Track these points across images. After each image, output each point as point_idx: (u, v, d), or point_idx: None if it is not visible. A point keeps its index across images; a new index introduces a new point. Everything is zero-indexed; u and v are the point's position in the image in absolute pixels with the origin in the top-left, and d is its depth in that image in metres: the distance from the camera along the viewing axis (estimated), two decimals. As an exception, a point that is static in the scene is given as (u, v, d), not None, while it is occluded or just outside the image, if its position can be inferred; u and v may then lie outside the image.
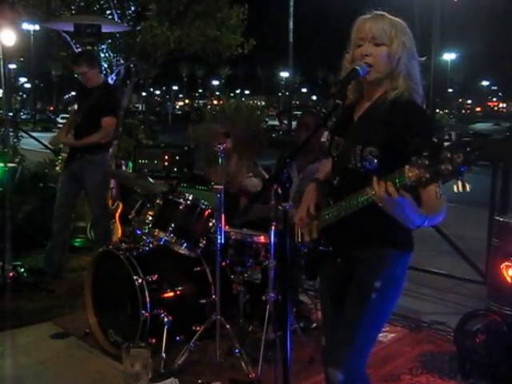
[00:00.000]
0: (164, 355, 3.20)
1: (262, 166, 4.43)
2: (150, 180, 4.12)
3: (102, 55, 9.88)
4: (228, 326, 3.31)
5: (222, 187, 3.33)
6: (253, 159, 4.58)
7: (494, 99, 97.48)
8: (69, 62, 4.92)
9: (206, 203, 3.65)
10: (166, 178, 4.97)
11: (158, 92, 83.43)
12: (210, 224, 3.62)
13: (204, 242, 3.61)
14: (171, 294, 3.49)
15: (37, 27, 16.36)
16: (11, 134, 6.57)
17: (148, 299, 3.25)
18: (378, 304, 2.00)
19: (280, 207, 1.84)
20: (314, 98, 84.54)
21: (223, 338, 3.34)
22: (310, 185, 2.17)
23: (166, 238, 3.53)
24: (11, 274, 4.44)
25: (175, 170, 5.26)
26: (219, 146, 3.35)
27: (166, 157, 5.36)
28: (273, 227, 3.25)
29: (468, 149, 1.44)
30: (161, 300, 3.37)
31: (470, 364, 3.25)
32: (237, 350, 3.22)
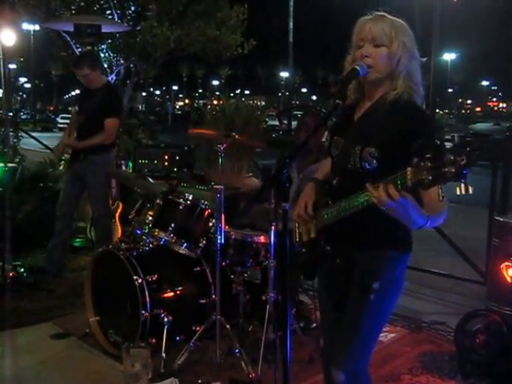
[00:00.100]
0: (164, 355, 3.20)
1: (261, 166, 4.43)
2: (150, 180, 4.12)
3: (102, 55, 9.88)
4: (228, 326, 3.32)
5: (222, 187, 3.33)
6: (253, 159, 4.59)
7: (494, 99, 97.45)
8: (70, 65, 4.91)
9: (206, 203, 3.65)
10: (165, 178, 4.97)
11: (158, 92, 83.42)
12: (210, 224, 3.62)
13: (204, 242, 3.61)
14: (171, 293, 3.49)
15: (37, 27, 16.36)
16: (11, 134, 6.56)
17: (148, 299, 3.25)
18: (378, 304, 2.01)
19: (279, 207, 1.84)
20: (314, 98, 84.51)
21: (223, 338, 3.34)
22: (309, 184, 2.17)
23: (165, 238, 3.53)
24: (11, 274, 4.44)
25: (175, 170, 5.26)
26: (219, 145, 3.35)
27: (166, 157, 5.37)
28: (273, 227, 3.25)
29: (468, 149, 1.44)
30: (161, 300, 3.37)
31: (469, 364, 3.25)
32: (237, 350, 3.22)
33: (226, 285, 3.45)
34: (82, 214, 5.66)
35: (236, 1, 11.08)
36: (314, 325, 3.83)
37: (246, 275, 3.56)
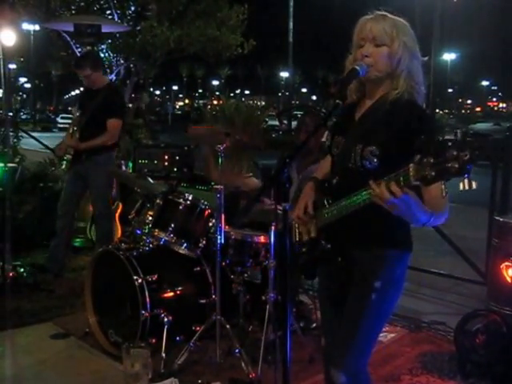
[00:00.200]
0: (164, 355, 3.20)
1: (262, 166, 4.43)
2: (150, 180, 4.12)
3: (102, 55, 9.89)
4: (228, 326, 3.31)
5: (222, 187, 3.33)
6: (253, 159, 4.59)
7: (494, 99, 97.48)
8: (72, 66, 4.91)
9: (206, 203, 3.65)
10: (165, 178, 4.97)
11: (158, 92, 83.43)
12: (210, 224, 3.62)
13: (204, 242, 3.61)
14: (171, 293, 3.49)
15: (37, 27, 16.36)
16: (11, 134, 6.56)
17: (148, 299, 3.25)
18: (379, 304, 2.00)
19: (279, 208, 1.84)
20: (314, 98, 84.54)
21: (223, 338, 3.33)
22: (308, 184, 2.17)
23: (165, 238, 3.53)
24: (11, 274, 4.44)
25: (175, 170, 5.26)
26: (219, 145, 3.35)
27: (166, 157, 5.36)
28: (273, 227, 3.25)
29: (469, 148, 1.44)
30: (161, 300, 3.37)
31: (469, 364, 3.25)
32: (237, 350, 3.22)
33: (225, 285, 3.45)
34: (82, 214, 5.65)
35: (236, 1, 11.09)
36: (314, 325, 3.83)
37: (246, 275, 3.56)
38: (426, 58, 2.08)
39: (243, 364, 3.16)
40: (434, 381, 3.23)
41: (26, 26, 14.70)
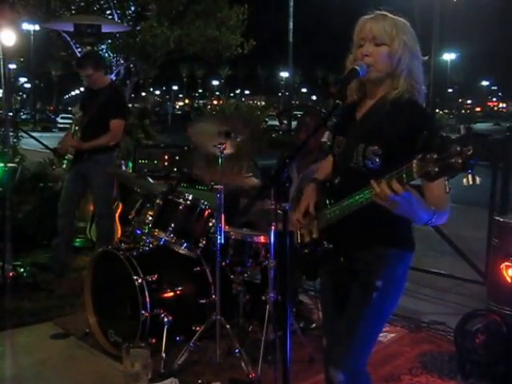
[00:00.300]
0: (164, 355, 3.20)
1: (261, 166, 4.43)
2: (150, 180, 4.12)
3: (102, 55, 9.88)
4: (228, 326, 3.31)
5: (222, 187, 3.33)
6: (253, 159, 4.59)
7: (494, 99, 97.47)
8: (73, 66, 4.92)
9: (206, 203, 3.65)
10: (165, 178, 4.97)
11: (157, 92, 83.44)
12: (210, 224, 3.62)
13: (204, 242, 3.61)
14: (171, 293, 3.49)
15: (37, 27, 16.36)
16: (11, 134, 6.56)
17: (148, 299, 3.25)
18: (380, 304, 2.00)
19: (279, 208, 1.84)
20: (314, 98, 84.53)
21: (223, 338, 3.33)
22: (310, 185, 2.17)
23: (165, 238, 3.53)
24: (11, 274, 4.44)
25: (175, 170, 5.26)
26: (219, 146, 3.34)
27: (166, 157, 5.36)
28: (273, 227, 3.25)
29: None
30: (161, 300, 3.37)
31: (469, 364, 3.25)
32: (237, 350, 3.22)
33: (225, 285, 3.45)
34: (82, 214, 5.66)
35: (236, 1, 11.09)
36: (314, 325, 3.83)
37: (246, 275, 3.56)
38: (426, 58, 2.08)
39: (243, 364, 3.16)
40: (433, 381, 3.23)
41: (26, 26, 14.71)
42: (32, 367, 3.30)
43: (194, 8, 10.37)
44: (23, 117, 45.37)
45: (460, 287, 4.80)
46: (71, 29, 6.51)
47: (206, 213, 3.64)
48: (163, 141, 9.15)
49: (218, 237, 3.30)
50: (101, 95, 4.64)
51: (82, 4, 10.02)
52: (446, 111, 64.16)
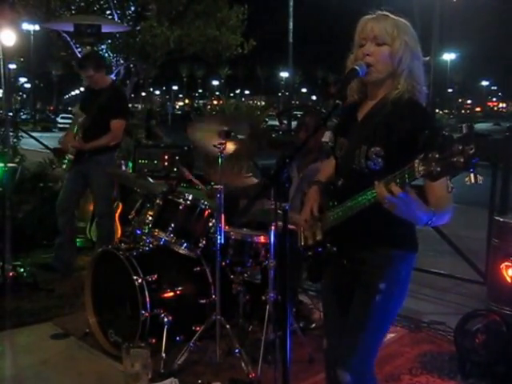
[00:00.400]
0: (164, 355, 3.20)
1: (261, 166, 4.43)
2: (150, 180, 4.12)
3: (102, 55, 9.89)
4: (228, 326, 3.31)
5: (222, 187, 3.33)
6: (253, 159, 4.58)
7: (494, 99, 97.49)
8: (74, 66, 4.92)
9: (205, 203, 3.65)
10: (165, 178, 4.97)
11: (157, 92, 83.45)
12: (210, 224, 3.62)
13: (204, 242, 3.61)
14: (171, 293, 3.49)
15: (37, 27, 16.38)
16: (11, 134, 6.56)
17: (148, 299, 3.25)
18: (384, 305, 2.00)
19: (279, 207, 1.84)
20: (314, 98, 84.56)
21: (223, 338, 3.33)
22: (313, 187, 2.17)
23: (165, 238, 3.53)
24: (11, 274, 4.44)
25: (175, 170, 5.26)
26: (219, 146, 3.34)
27: (166, 157, 5.36)
28: (272, 227, 3.25)
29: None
30: (161, 300, 3.37)
31: (469, 364, 3.25)
32: (237, 350, 3.22)
33: (225, 285, 3.45)
34: (82, 213, 5.66)
35: (236, 1, 11.10)
36: (314, 325, 3.83)
37: (246, 275, 3.56)
38: (427, 58, 2.08)
39: (243, 364, 3.16)
40: (433, 381, 3.23)
41: (26, 26, 14.72)
42: (32, 367, 3.30)
43: (194, 8, 10.37)
44: (23, 117, 45.36)
45: (460, 287, 4.80)
46: (71, 29, 6.52)
47: (206, 213, 3.64)
48: (163, 141, 9.16)
49: (218, 237, 3.30)
50: (102, 95, 4.65)
51: (82, 4, 10.03)
52: (446, 111, 64.15)
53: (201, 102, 72.69)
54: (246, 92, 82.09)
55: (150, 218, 3.60)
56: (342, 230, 1.99)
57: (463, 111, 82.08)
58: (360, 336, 2.01)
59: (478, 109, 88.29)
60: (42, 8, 9.50)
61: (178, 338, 3.42)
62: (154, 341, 3.24)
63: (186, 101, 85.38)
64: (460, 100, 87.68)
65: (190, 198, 3.60)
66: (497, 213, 4.14)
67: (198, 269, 3.63)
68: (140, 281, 3.27)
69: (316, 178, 2.25)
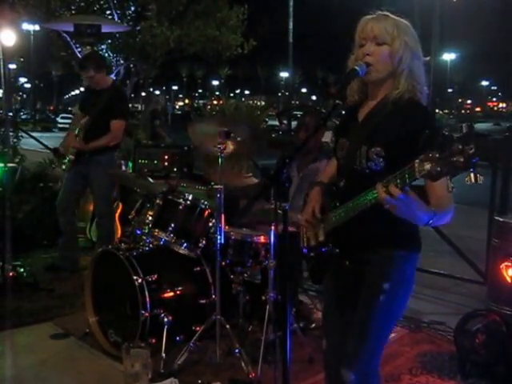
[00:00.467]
0: (164, 355, 3.20)
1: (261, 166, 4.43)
2: (150, 180, 4.12)
3: (102, 55, 9.89)
4: (228, 326, 3.31)
5: (222, 187, 3.33)
6: (253, 159, 4.58)
7: (494, 99, 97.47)
8: (75, 67, 4.93)
9: (205, 203, 3.65)
10: (165, 178, 4.97)
11: (157, 92, 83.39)
12: (210, 224, 3.62)
13: (204, 242, 3.61)
14: (171, 293, 3.49)
15: (37, 27, 16.38)
16: (11, 134, 6.56)
17: (148, 299, 3.25)
18: (387, 305, 2.00)
19: (279, 207, 1.84)
20: (314, 98, 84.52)
21: (223, 337, 3.33)
22: (315, 188, 2.17)
23: (165, 238, 3.53)
24: (11, 274, 4.44)
25: (175, 169, 5.26)
26: (219, 146, 3.34)
27: (166, 157, 5.36)
28: (272, 227, 3.25)
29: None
30: (161, 300, 3.37)
31: (469, 364, 3.25)
32: (237, 350, 3.22)
33: (225, 285, 3.45)
34: (82, 214, 5.66)
35: (236, 1, 11.11)
36: (314, 325, 3.83)
37: (245, 275, 3.56)
38: (427, 59, 2.08)
39: (243, 364, 3.16)
40: (433, 381, 3.23)
41: (26, 26, 14.74)
42: (32, 367, 3.30)
43: (194, 8, 10.38)
44: (23, 117, 45.35)
45: (460, 287, 4.80)
46: (71, 29, 6.52)
47: (206, 213, 3.64)
48: (165, 141, 9.18)
49: (218, 237, 3.30)
50: (103, 96, 4.65)
51: (82, 4, 10.04)
52: (446, 111, 64.14)
53: (201, 102, 72.72)
54: (246, 92, 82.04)
55: (150, 217, 3.60)
56: (344, 231, 1.99)
57: (463, 111, 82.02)
58: (364, 336, 2.01)
59: (478, 109, 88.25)
60: (42, 8, 9.51)
61: (177, 338, 3.42)
62: (154, 341, 3.24)
63: (186, 101, 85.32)
64: (460, 100, 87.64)
65: (190, 198, 3.60)
66: (497, 213, 4.14)
67: (198, 269, 3.63)
68: (140, 281, 3.27)
69: (318, 179, 2.26)
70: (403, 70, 1.94)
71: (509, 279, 3.55)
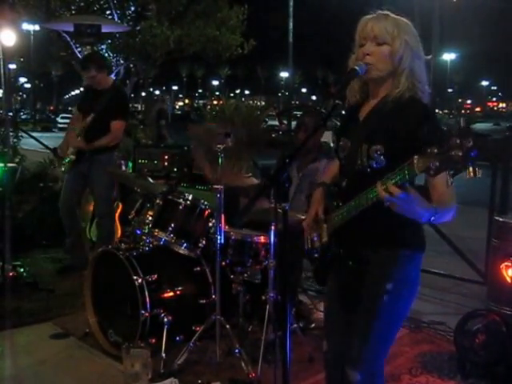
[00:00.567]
0: (164, 355, 3.20)
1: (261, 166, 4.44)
2: (150, 180, 4.12)
3: (102, 55, 9.90)
4: (228, 326, 3.31)
5: (221, 187, 3.33)
6: (253, 159, 4.59)
7: (494, 99, 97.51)
8: (76, 67, 4.93)
9: (205, 203, 3.65)
10: (165, 178, 4.97)
11: (157, 92, 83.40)
12: (210, 224, 3.62)
13: (204, 242, 3.61)
14: (171, 293, 3.49)
15: (37, 27, 16.36)
16: (11, 134, 6.57)
17: (148, 299, 3.25)
18: (391, 305, 1.99)
19: (279, 207, 1.84)
20: (314, 98, 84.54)
21: (223, 338, 3.33)
22: (317, 189, 2.17)
23: (165, 238, 3.53)
24: (11, 274, 4.44)
25: (175, 170, 5.26)
26: (219, 146, 3.35)
27: (166, 157, 5.36)
28: (272, 227, 3.25)
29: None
30: (160, 300, 3.37)
31: (469, 364, 3.25)
32: (237, 350, 3.22)
33: (225, 285, 3.45)
34: (82, 214, 5.66)
35: (236, 1, 11.11)
36: (314, 325, 3.83)
37: (245, 275, 3.56)
38: (429, 57, 2.08)
39: (243, 364, 3.16)
40: (433, 381, 3.23)
41: (26, 26, 14.71)
42: (32, 367, 3.30)
43: (194, 8, 10.39)
44: (23, 117, 45.37)
45: (460, 287, 4.80)
46: (71, 29, 6.52)
47: (206, 213, 3.64)
48: (168, 142, 9.18)
49: (218, 237, 3.30)
50: (103, 96, 4.65)
51: (82, 4, 10.04)
52: (446, 111, 64.13)
53: (201, 102, 72.74)
54: (246, 92, 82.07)
55: (150, 217, 3.60)
56: (347, 231, 1.99)
57: (463, 111, 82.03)
58: (367, 336, 2.01)
59: (477, 109, 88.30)
60: (41, 8, 9.52)
61: (177, 338, 3.42)
62: (153, 341, 3.24)
63: (186, 101, 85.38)
64: (460, 100, 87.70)
65: (190, 197, 3.60)
66: (497, 213, 4.14)
67: (198, 269, 3.63)
68: (140, 281, 3.27)
69: (321, 180, 2.25)
70: (404, 70, 1.93)
71: (509, 279, 3.55)
